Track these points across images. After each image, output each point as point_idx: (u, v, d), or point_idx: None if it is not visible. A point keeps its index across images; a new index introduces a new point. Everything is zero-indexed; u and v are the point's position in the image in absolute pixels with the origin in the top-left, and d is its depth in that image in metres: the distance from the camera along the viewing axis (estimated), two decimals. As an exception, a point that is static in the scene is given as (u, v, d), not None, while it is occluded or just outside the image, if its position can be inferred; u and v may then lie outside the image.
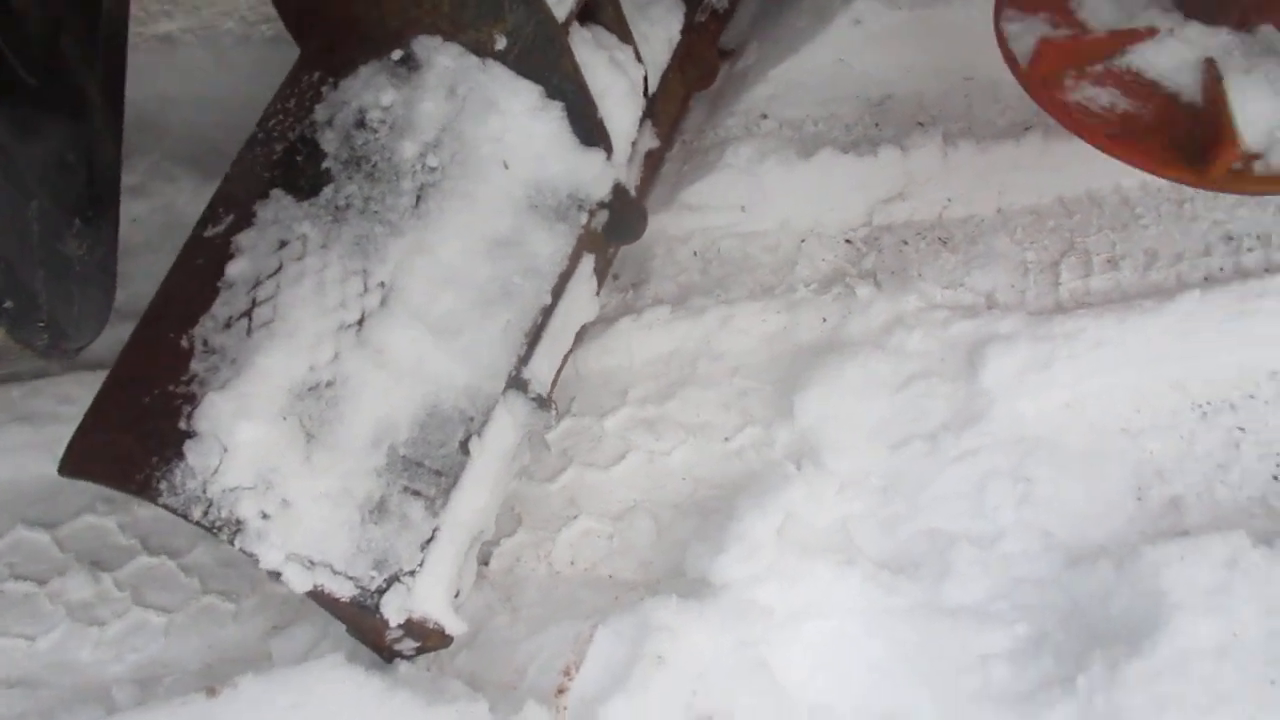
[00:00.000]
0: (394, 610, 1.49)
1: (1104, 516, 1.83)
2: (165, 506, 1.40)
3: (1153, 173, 1.73)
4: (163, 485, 1.40)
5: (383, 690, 1.49)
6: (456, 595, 1.62)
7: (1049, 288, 2.11)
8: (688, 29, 2.08)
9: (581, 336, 1.96)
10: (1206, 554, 1.59)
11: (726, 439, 1.95)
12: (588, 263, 1.85)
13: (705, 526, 1.79)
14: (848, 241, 2.20)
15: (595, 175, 1.75)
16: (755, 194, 2.20)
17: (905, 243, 2.19)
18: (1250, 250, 2.14)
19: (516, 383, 1.67)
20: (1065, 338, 1.96)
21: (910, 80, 2.32)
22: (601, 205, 1.78)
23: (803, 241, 2.20)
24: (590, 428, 1.97)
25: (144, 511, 1.88)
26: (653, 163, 2.11)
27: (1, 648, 1.74)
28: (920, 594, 1.72)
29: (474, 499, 1.59)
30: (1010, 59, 1.82)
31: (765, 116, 2.29)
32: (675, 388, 2.01)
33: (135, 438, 1.43)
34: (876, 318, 2.05)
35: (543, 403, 1.71)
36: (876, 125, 2.28)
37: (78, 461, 1.45)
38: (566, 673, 1.54)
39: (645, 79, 1.90)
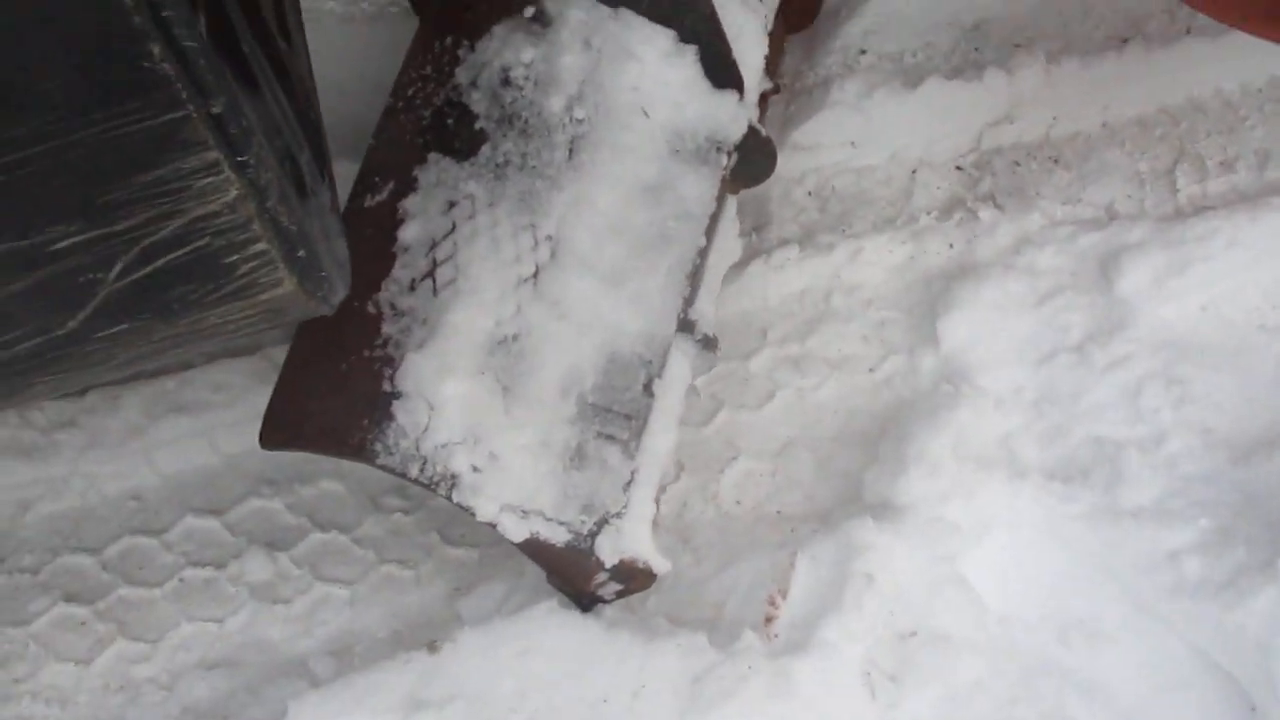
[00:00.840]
0: (608, 551, 1.51)
1: (1259, 411, 1.85)
2: (383, 467, 1.42)
3: None
4: (378, 446, 1.42)
5: (601, 631, 1.51)
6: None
7: (1167, 194, 2.13)
8: None
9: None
10: (1386, 431, 1.60)
11: (871, 369, 1.97)
12: (731, 205, 1.86)
13: (875, 451, 1.80)
14: (958, 168, 2.21)
15: (731, 117, 1.76)
16: (864, 129, 2.20)
17: (1017, 164, 2.20)
18: (1359, 141, 2.15)
19: (684, 325, 1.68)
20: (1197, 240, 1.98)
21: (1002, 3, 2.32)
22: (736, 147, 1.79)
23: (914, 172, 2.21)
24: (736, 370, 1.98)
25: (308, 490, 1.90)
26: (764, 104, 2.11)
27: (193, 633, 1.75)
28: (1095, 499, 1.73)
29: (662, 440, 1.61)
30: None
31: (864, 52, 2.29)
32: (813, 324, 2.02)
33: (342, 403, 1.45)
34: (1003, 239, 2.06)
35: (709, 342, 1.73)
36: (976, 49, 2.28)
37: (286, 431, 1.47)
38: (772, 602, 1.56)
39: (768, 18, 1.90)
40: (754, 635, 1.53)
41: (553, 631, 1.52)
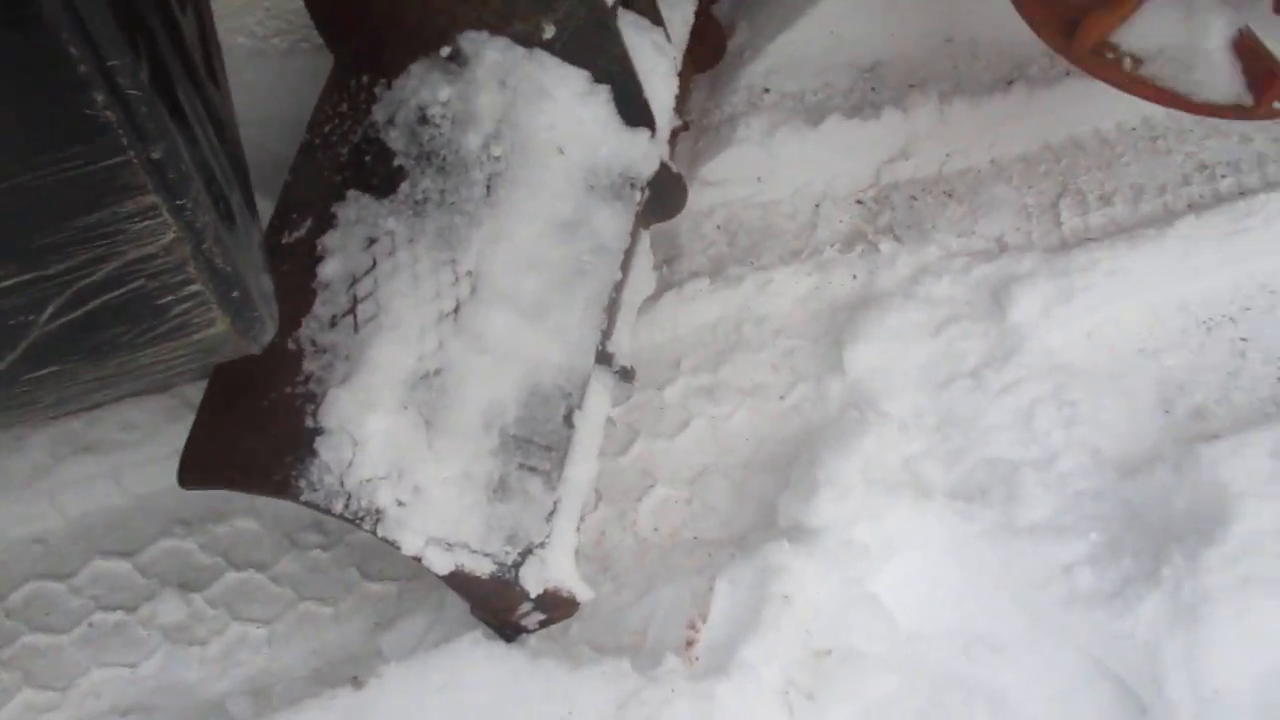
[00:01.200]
0: (532, 581, 1.53)
1: (1141, 430, 1.98)
2: (308, 503, 1.41)
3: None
4: (302, 483, 1.42)
5: (526, 661, 1.53)
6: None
7: (1052, 227, 2.26)
8: (699, 10, 2.16)
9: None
10: (1256, 447, 1.73)
11: (781, 397, 2.04)
12: (645, 239, 1.91)
13: (788, 476, 1.87)
14: (859, 202, 2.31)
15: (643, 154, 1.81)
16: (768, 165, 2.28)
17: (914, 198, 2.31)
18: (1224, 177, 2.32)
19: (602, 356, 1.72)
20: (1080, 270, 2.10)
21: (896, 46, 2.45)
22: (649, 183, 1.84)
23: (817, 206, 2.30)
24: (651, 400, 2.03)
25: (222, 529, 1.87)
26: (674, 141, 2.17)
27: (104, 678, 1.71)
28: (994, 518, 1.82)
29: (582, 470, 1.64)
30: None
31: (767, 90, 2.38)
32: (725, 354, 2.09)
33: (264, 440, 1.44)
34: (902, 270, 2.16)
35: (626, 374, 1.77)
36: (873, 89, 2.39)
37: (205, 471, 1.45)
38: (692, 626, 1.60)
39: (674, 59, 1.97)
40: (676, 659, 1.57)
41: (478, 663, 1.53)
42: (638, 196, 1.80)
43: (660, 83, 1.87)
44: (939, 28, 2.46)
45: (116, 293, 0.89)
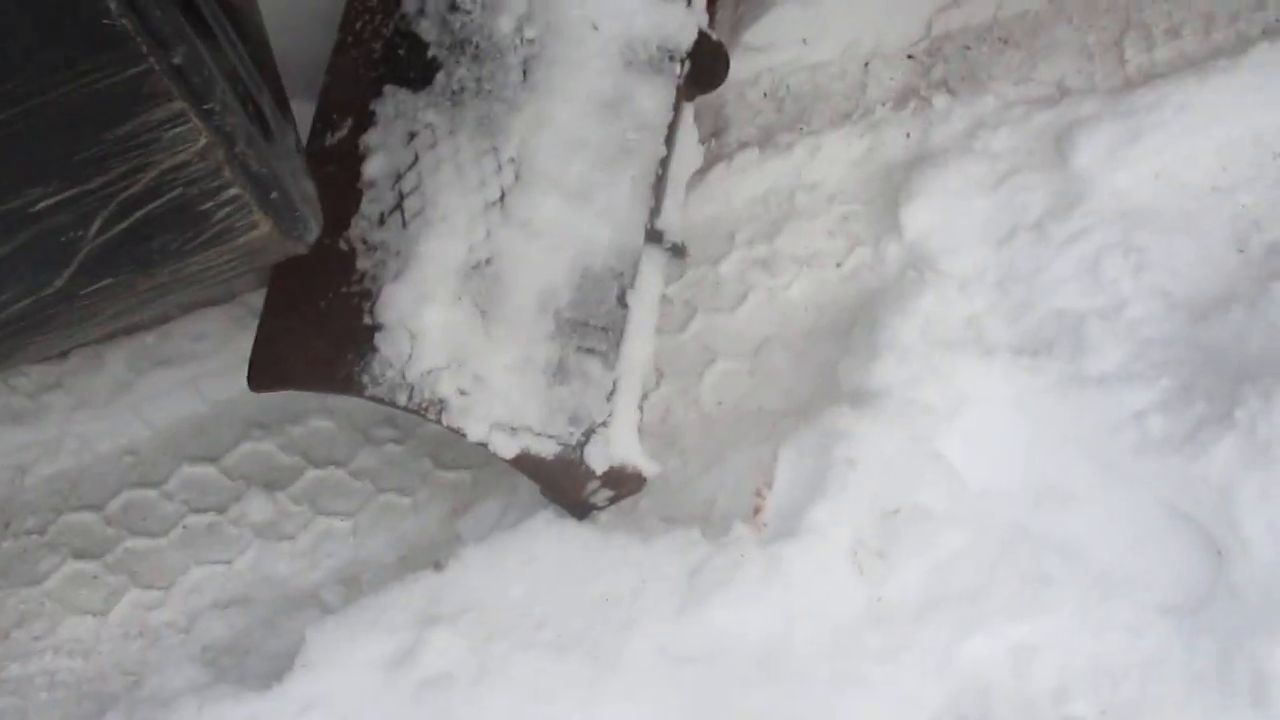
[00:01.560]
0: (597, 459, 1.56)
1: (1214, 271, 1.91)
2: (372, 397, 1.45)
3: None
4: (365, 378, 1.45)
5: (600, 536, 1.57)
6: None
7: (1116, 66, 2.16)
8: None
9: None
10: (1335, 278, 1.67)
11: (839, 264, 2.01)
12: (688, 112, 1.87)
13: (848, 341, 1.85)
14: (910, 57, 2.23)
15: (680, 24, 1.76)
16: (813, 24, 2.20)
17: (968, 48, 2.21)
18: (1302, -3, 2.18)
19: (652, 234, 1.71)
20: (1147, 109, 2.01)
21: (944, -116, 2.31)
22: (688, 54, 1.79)
23: (866, 64, 2.23)
24: (707, 275, 2.02)
25: (298, 429, 1.94)
26: (713, 8, 2.10)
27: (204, 576, 1.80)
28: (1061, 370, 1.80)
29: (639, 349, 1.65)
30: None
31: (808, -54, 2.27)
32: (779, 224, 2.06)
33: (326, 339, 1.48)
34: (958, 124, 2.09)
35: (678, 250, 1.76)
36: (921, -66, 2.27)
37: (273, 373, 1.50)
38: (759, 494, 1.62)
39: (705, -76, 1.89)
40: (744, 527, 1.59)
41: (552, 540, 1.58)
42: (677, 69, 1.76)
43: None
44: None
45: (158, 202, 0.91)
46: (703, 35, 1.81)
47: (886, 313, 1.81)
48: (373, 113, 1.61)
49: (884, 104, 2.15)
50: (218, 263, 1.00)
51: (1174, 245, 1.92)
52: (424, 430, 1.93)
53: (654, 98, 1.73)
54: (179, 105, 0.85)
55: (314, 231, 1.10)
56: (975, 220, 1.98)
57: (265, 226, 0.98)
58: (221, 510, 1.87)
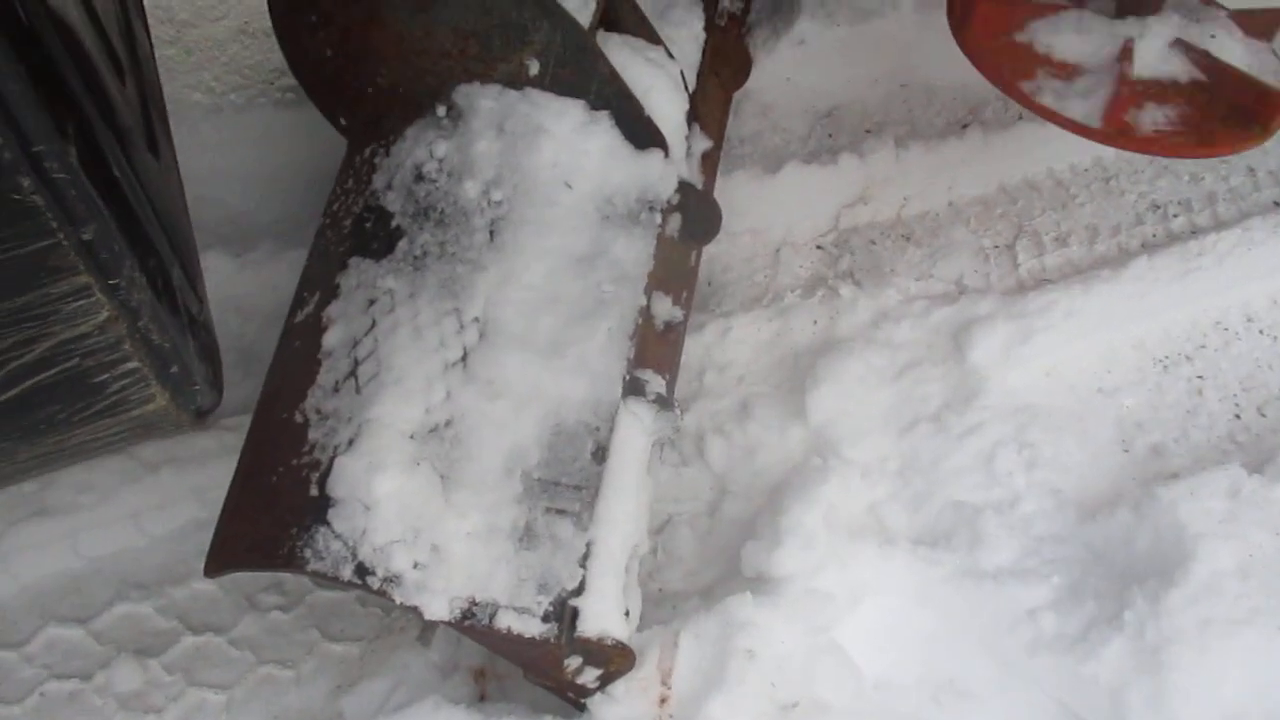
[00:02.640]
0: (570, 631, 1.45)
1: (1101, 470, 1.99)
2: (315, 573, 1.37)
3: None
4: (308, 553, 1.37)
5: (487, 723, 1.50)
6: (627, 615, 1.55)
7: (1009, 269, 2.28)
8: (710, 27, 2.13)
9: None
10: (1214, 486, 1.75)
11: (745, 446, 2.03)
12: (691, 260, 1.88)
13: (752, 525, 1.86)
14: (818, 247, 2.33)
15: (658, 175, 1.77)
16: (727, 211, 2.28)
17: (873, 242, 2.32)
18: (1175, 216, 2.36)
19: (633, 386, 1.65)
20: (1038, 312, 2.12)
21: (852, 91, 2.48)
22: (672, 205, 1.80)
23: (778, 251, 2.32)
24: (614, 450, 2.02)
25: (179, 592, 1.85)
26: (710, 164, 2.10)
27: (57, 750, 1.67)
28: (958, 562, 1.82)
29: (619, 507, 1.56)
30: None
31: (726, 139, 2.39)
32: (687, 402, 2.08)
33: (271, 517, 1.41)
34: (863, 314, 2.17)
35: (664, 402, 1.68)
36: (830, 135, 2.42)
37: (220, 557, 1.43)
38: (664, 683, 1.58)
39: (683, 74, 1.93)
40: (644, 717, 1.54)
41: (439, 727, 1.50)
42: (658, 219, 1.75)
43: (663, 99, 1.84)
44: (893, 73, 2.49)
45: (51, 372, 0.88)
46: (685, 185, 1.82)
47: (791, 498, 1.83)
48: (337, 285, 1.60)
49: (793, 290, 2.23)
50: (106, 434, 0.97)
51: (1063, 443, 1.99)
52: (314, 597, 1.85)
53: (632, 248, 1.70)
54: (84, 279, 0.83)
55: (211, 402, 1.08)
56: (877, 409, 2.03)
57: (162, 400, 0.96)
58: (86, 677, 1.75)
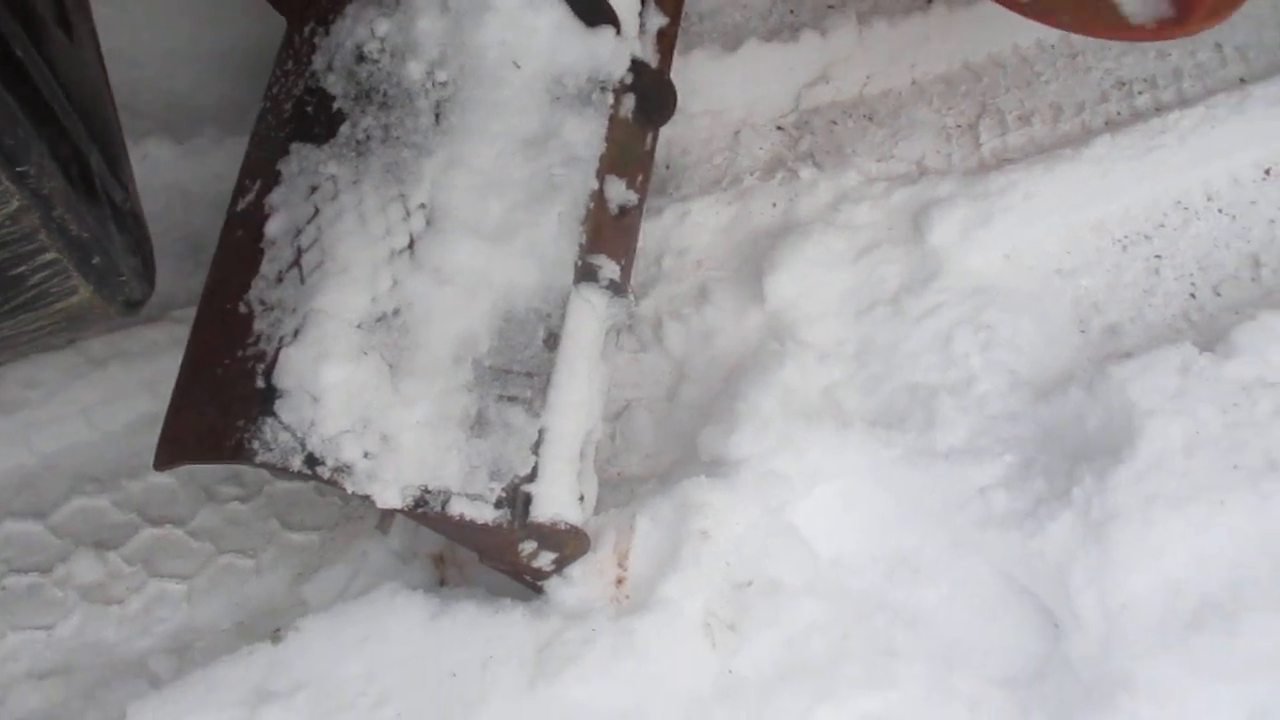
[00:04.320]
0: (523, 516, 1.46)
1: (1057, 350, 2.00)
2: (264, 464, 1.37)
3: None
4: (255, 444, 1.36)
5: (447, 606, 1.53)
6: (581, 499, 1.57)
7: (971, 149, 2.25)
8: None
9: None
10: (1164, 364, 1.76)
11: (702, 330, 2.03)
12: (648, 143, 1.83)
13: (709, 409, 1.86)
14: (779, 128, 2.28)
15: (610, 53, 1.71)
16: (686, 92, 2.22)
17: (834, 123, 2.28)
18: (1140, 94, 2.32)
19: (586, 272, 1.62)
20: (999, 193, 2.10)
21: (814, -35, 2.39)
22: (625, 85, 1.74)
23: (737, 133, 2.27)
24: (571, 337, 2.01)
25: (135, 485, 1.84)
26: (666, 43, 2.01)
27: (20, 642, 1.69)
28: (912, 442, 1.84)
29: (571, 394, 1.55)
30: None
31: (684, 15, 2.31)
32: (645, 287, 2.07)
33: (217, 409, 1.40)
34: (823, 196, 2.14)
35: (617, 288, 1.66)
36: (791, 12, 2.35)
37: (169, 449, 1.41)
38: (620, 564, 1.60)
39: (637, -54, 1.83)
40: (599, 598, 1.57)
41: (397, 611, 1.53)
42: (610, 99, 1.70)
43: None
44: (857, -56, 2.40)
45: (-36, 265, 0.85)
46: (639, 64, 1.77)
47: (747, 383, 1.83)
48: (278, 172, 1.55)
49: (752, 173, 2.19)
50: (31, 328, 0.94)
51: (1020, 324, 1.99)
52: (272, 488, 1.85)
53: (583, 130, 1.66)
54: (-11, 167, 0.79)
55: (141, 295, 1.05)
56: (835, 292, 2.02)
57: (85, 291, 0.93)
58: (45, 571, 1.76)
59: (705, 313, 2.03)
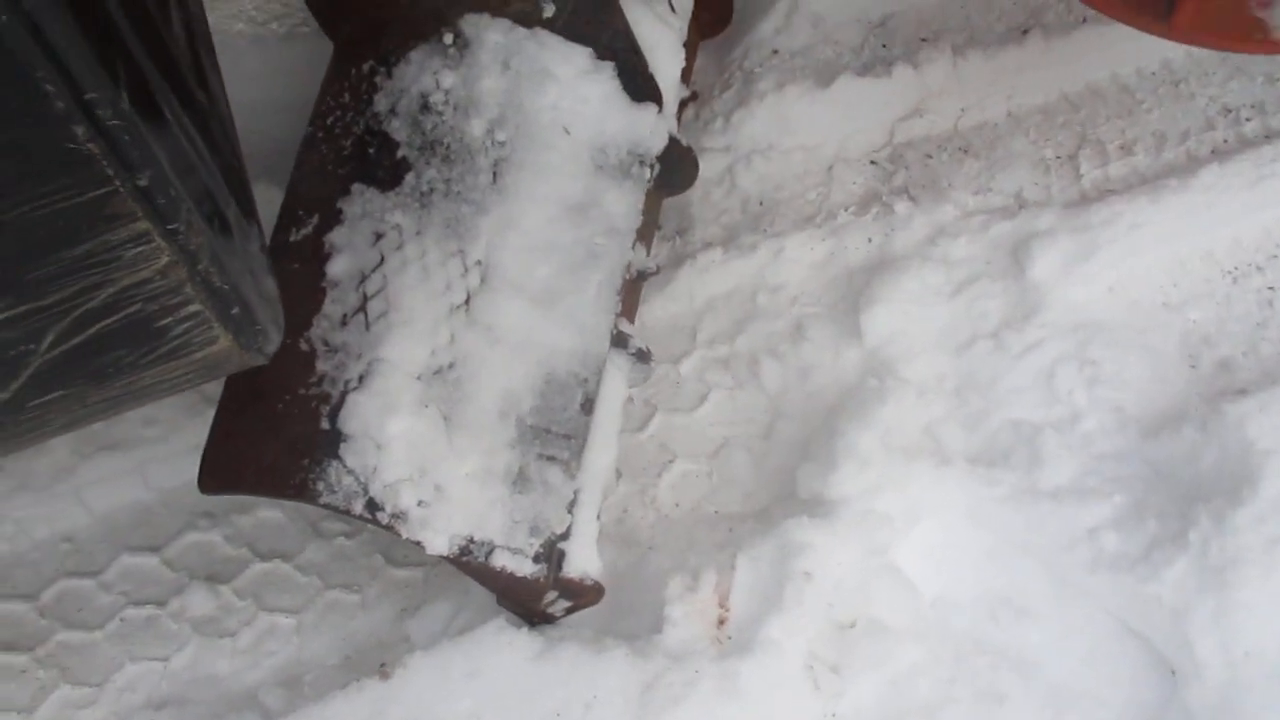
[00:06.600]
0: (555, 572, 1.53)
1: (1165, 386, 1.94)
2: (327, 505, 1.41)
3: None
4: (320, 485, 1.41)
5: (550, 647, 1.54)
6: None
7: (1071, 180, 2.21)
8: None
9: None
10: (1283, 403, 1.70)
11: (800, 367, 2.02)
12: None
13: (807, 447, 1.85)
14: (872, 163, 2.27)
15: (651, 129, 1.77)
16: (779, 128, 2.24)
17: (929, 156, 2.26)
18: (1249, 120, 2.26)
19: (618, 339, 1.70)
20: (1102, 224, 2.06)
21: (906, -2, 2.39)
22: (658, 158, 1.81)
23: (830, 168, 2.26)
24: (668, 374, 2.02)
25: (246, 520, 1.89)
26: (682, 111, 2.13)
27: (138, 673, 1.74)
28: (1016, 481, 1.81)
29: (602, 457, 1.64)
30: None
31: (775, 52, 2.33)
32: (741, 324, 2.06)
33: (280, 444, 1.44)
34: (919, 231, 2.12)
35: (643, 355, 1.75)
36: (884, 45, 2.34)
37: (223, 477, 1.46)
38: (722, 605, 1.60)
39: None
40: (704, 638, 1.57)
41: (503, 650, 1.54)
42: (647, 174, 1.77)
43: (665, 56, 1.83)
44: (950, -24, 2.39)
45: (115, 318, 0.89)
46: (673, 140, 1.83)
47: (846, 420, 1.81)
48: (339, 210, 1.60)
49: (847, 208, 2.18)
50: (172, 376, 0.98)
51: (1127, 360, 1.95)
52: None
53: (623, 202, 1.73)
54: (143, 225, 0.83)
55: (274, 343, 1.08)
56: (934, 327, 2.00)
57: (225, 341, 0.96)
58: (161, 603, 1.81)
59: (801, 349, 2.02)
